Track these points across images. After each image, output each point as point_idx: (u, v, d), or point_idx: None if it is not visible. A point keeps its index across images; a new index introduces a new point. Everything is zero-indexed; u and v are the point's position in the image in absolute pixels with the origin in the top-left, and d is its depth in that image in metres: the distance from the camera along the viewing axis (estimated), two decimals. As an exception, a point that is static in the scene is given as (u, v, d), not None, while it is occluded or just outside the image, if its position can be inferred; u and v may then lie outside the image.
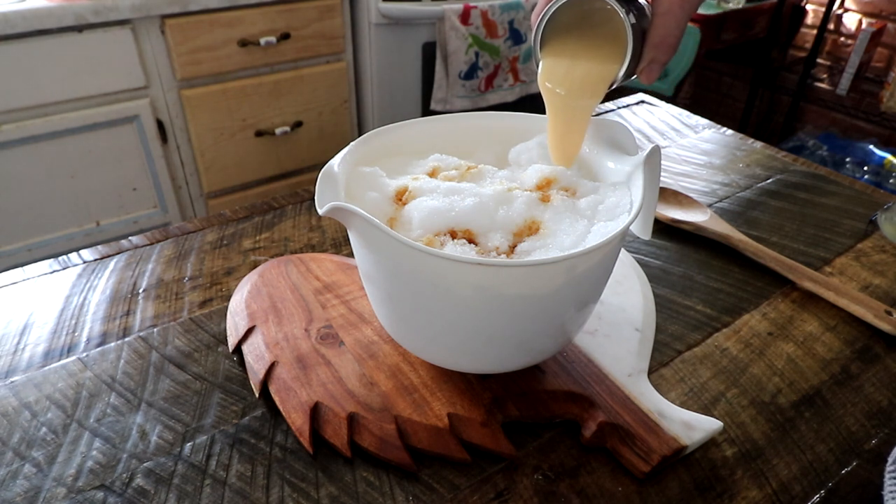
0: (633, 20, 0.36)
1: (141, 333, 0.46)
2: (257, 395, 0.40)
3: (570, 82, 0.39)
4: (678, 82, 1.96)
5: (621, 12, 0.36)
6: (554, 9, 0.38)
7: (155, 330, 0.46)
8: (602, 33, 0.39)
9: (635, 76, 0.39)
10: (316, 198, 0.33)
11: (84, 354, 0.44)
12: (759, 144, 0.78)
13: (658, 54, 0.38)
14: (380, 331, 0.44)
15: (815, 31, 2.05)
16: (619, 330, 0.45)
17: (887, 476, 0.33)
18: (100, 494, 0.35)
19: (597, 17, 0.39)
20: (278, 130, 1.46)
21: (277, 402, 0.39)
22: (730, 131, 0.81)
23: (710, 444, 0.39)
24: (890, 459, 0.34)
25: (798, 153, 2.01)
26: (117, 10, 1.16)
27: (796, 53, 2.18)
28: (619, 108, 0.86)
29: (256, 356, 0.42)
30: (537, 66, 0.40)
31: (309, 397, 0.38)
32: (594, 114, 0.47)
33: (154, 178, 1.37)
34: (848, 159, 1.96)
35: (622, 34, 0.36)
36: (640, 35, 0.37)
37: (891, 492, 0.32)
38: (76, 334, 0.46)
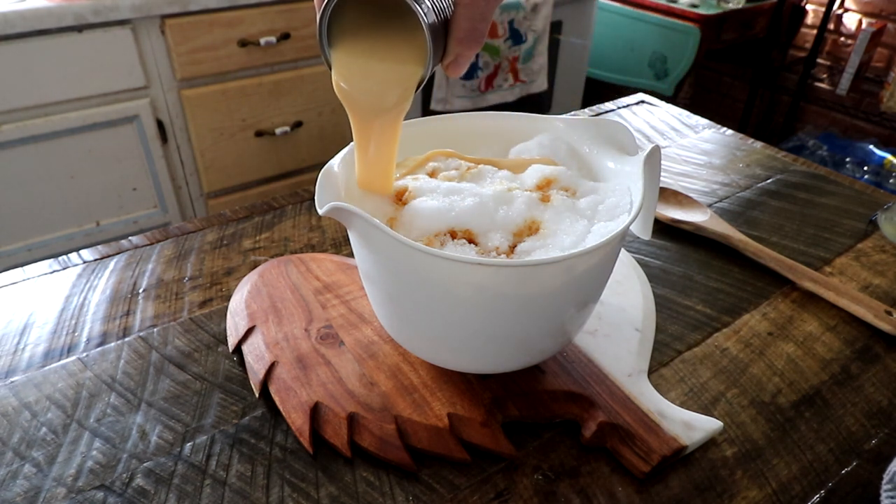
0: (428, 17, 0.31)
1: (141, 333, 0.46)
2: (257, 395, 0.40)
3: (370, 85, 0.35)
4: (678, 82, 1.96)
5: (418, 12, 0.31)
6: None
7: (155, 330, 0.46)
8: (398, 27, 0.34)
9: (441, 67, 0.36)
10: (316, 198, 0.33)
11: (84, 354, 0.44)
12: (759, 144, 0.78)
13: (463, 49, 0.35)
14: (380, 331, 0.44)
15: (815, 31, 2.05)
16: (619, 330, 0.45)
17: (884, 495, 0.33)
18: (100, 494, 0.35)
19: (391, 9, 0.34)
20: (278, 130, 1.46)
21: (277, 402, 0.39)
22: (730, 131, 0.81)
23: (710, 444, 0.39)
24: (886, 477, 0.34)
25: (798, 153, 2.01)
26: (117, 10, 1.16)
27: (796, 53, 2.18)
28: (619, 108, 0.86)
29: (256, 356, 0.42)
30: (329, 68, 0.35)
31: (309, 397, 0.38)
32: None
33: (154, 178, 1.37)
34: (848, 159, 1.96)
35: (420, 31, 0.32)
36: (443, 26, 0.33)
37: None
38: (76, 334, 0.46)
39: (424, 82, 0.35)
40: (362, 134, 0.36)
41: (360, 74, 0.35)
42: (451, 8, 0.33)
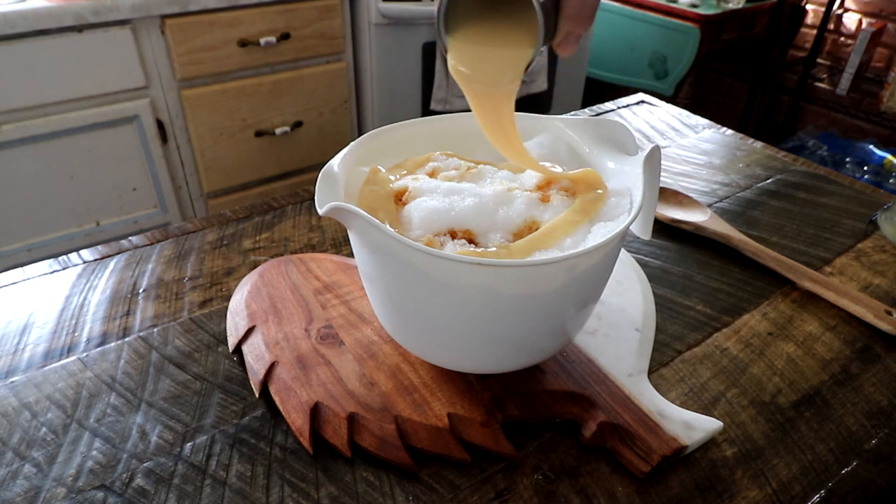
0: None
1: (141, 333, 0.46)
2: (257, 395, 0.40)
3: (485, 68, 0.38)
4: (678, 82, 1.96)
5: None
6: None
7: (155, 330, 0.46)
8: (510, 12, 0.37)
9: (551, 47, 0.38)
10: (316, 198, 0.33)
11: (84, 354, 0.44)
12: (759, 144, 0.78)
13: (574, 27, 0.36)
14: (380, 331, 0.44)
15: (815, 31, 2.05)
16: (619, 330, 0.45)
17: None
18: (100, 494, 0.35)
19: None
20: (278, 130, 1.46)
21: (277, 402, 0.39)
22: (730, 131, 0.81)
23: (710, 444, 0.39)
24: None
25: (798, 153, 2.01)
26: (117, 10, 1.16)
27: (796, 53, 2.18)
28: (619, 108, 0.86)
29: (256, 356, 0.42)
30: (445, 52, 0.38)
31: (309, 397, 0.38)
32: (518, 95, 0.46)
33: (154, 178, 1.37)
34: (848, 159, 1.96)
35: (531, 12, 0.35)
36: (554, 6, 0.35)
37: None
38: (76, 334, 0.46)
39: (533, 61, 0.37)
40: (479, 111, 0.39)
41: (476, 58, 0.38)
42: None
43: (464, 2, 0.37)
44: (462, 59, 0.38)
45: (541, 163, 0.41)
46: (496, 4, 0.38)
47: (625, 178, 0.39)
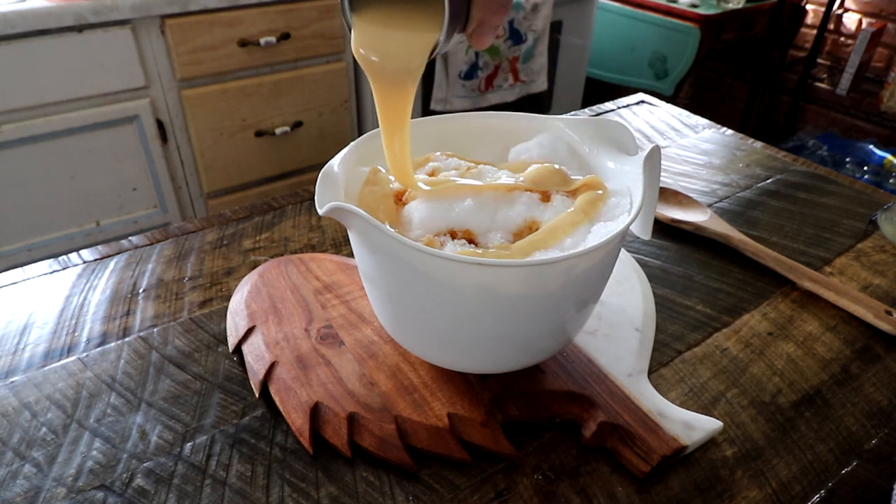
0: None
1: (141, 333, 0.46)
2: (257, 395, 0.40)
3: (386, 51, 0.36)
4: (678, 82, 1.96)
5: None
6: None
7: (155, 330, 0.46)
8: None
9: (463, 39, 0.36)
10: (316, 198, 0.33)
11: (84, 354, 0.44)
12: (759, 144, 0.78)
13: (487, 15, 0.34)
14: (380, 331, 0.44)
15: (815, 31, 2.05)
16: (619, 330, 0.45)
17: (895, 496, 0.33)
18: (100, 494, 0.35)
19: None
20: (278, 130, 1.46)
21: (277, 402, 0.39)
22: (730, 131, 0.81)
23: (710, 444, 0.39)
24: None
25: (798, 153, 2.01)
26: (117, 10, 1.16)
27: (796, 53, 2.18)
28: (619, 108, 0.86)
29: (256, 356, 0.42)
30: (350, 32, 0.36)
31: (309, 397, 0.38)
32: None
33: (154, 178, 1.37)
34: (848, 159, 1.96)
35: None
36: None
37: None
38: (76, 334, 0.46)
39: (439, 49, 0.35)
40: (379, 99, 0.37)
41: (378, 41, 0.36)
42: None
43: None
44: (365, 41, 0.35)
45: (539, 163, 0.41)
46: None
47: (625, 178, 0.39)
